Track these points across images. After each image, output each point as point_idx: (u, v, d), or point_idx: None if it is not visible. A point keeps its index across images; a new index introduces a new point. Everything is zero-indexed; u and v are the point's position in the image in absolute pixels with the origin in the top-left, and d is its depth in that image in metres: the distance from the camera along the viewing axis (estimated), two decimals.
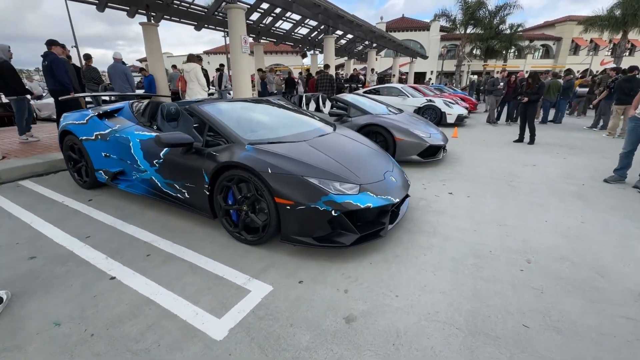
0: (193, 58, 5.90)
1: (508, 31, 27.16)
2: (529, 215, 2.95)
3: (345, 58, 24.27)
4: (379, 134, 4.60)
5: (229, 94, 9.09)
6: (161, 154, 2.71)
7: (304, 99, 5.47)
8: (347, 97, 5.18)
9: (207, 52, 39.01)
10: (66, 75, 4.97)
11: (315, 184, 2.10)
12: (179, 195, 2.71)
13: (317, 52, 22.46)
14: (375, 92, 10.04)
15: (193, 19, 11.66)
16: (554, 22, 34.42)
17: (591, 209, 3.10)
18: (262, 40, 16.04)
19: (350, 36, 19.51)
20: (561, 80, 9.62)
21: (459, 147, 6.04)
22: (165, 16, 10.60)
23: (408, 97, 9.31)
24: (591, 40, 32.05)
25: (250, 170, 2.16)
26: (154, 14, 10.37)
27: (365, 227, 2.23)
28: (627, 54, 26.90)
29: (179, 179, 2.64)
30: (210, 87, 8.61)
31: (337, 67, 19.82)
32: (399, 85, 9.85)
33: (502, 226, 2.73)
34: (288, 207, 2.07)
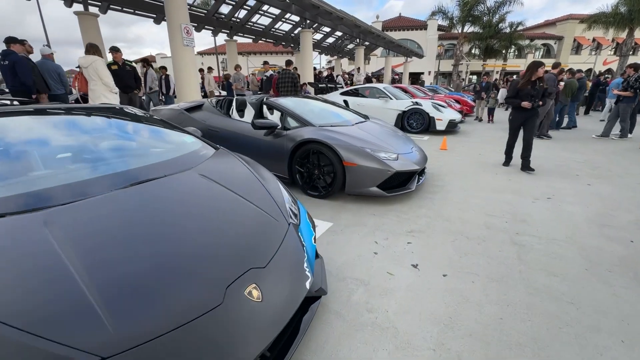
0: (92, 49, 4.45)
1: (508, 30, 26.01)
2: (558, 339, 1.50)
3: (335, 57, 22.96)
4: (322, 155, 3.16)
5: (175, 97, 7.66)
6: None
7: (234, 103, 4.03)
8: (284, 102, 3.74)
9: (200, 53, 37.51)
10: (30, 75, 4.49)
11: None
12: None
13: (314, 50, 21.15)
14: (354, 93, 8.62)
15: (150, 10, 10.25)
16: (554, 20, 33.50)
17: None
18: (236, 37, 14.65)
19: (339, 33, 18.17)
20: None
21: (446, 166, 4.60)
22: (112, 5, 9.19)
23: (391, 99, 7.88)
24: (594, 39, 31.25)
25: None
26: (99, 3, 8.96)
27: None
28: (631, 52, 25.67)
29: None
30: (151, 88, 7.11)
31: (331, 68, 18.34)
32: (381, 86, 8.42)
33: None
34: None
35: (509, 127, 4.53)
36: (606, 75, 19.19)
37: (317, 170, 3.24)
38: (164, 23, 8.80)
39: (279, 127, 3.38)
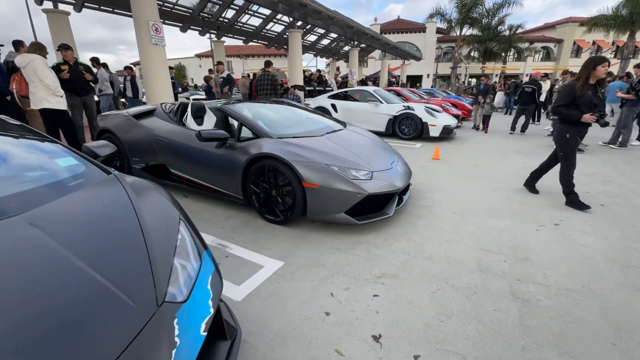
0: (32, 47, 3.90)
1: (507, 33, 25.61)
2: None
3: (331, 60, 22.46)
4: (279, 173, 2.58)
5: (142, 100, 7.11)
6: None
7: (189, 109, 3.47)
8: (239, 108, 3.15)
9: (198, 56, 37.08)
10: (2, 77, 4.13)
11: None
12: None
13: (309, 52, 20.63)
14: (343, 96, 8.07)
15: (129, 9, 9.70)
16: (554, 23, 33.30)
17: None
18: (226, 39, 14.14)
19: (334, 35, 17.68)
20: None
21: (436, 180, 4.03)
22: (86, 3, 8.65)
23: (381, 103, 7.32)
24: (593, 42, 31.11)
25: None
26: (73, 1, 8.42)
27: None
28: (632, 56, 25.26)
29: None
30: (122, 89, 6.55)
31: (319, 70, 17.82)
32: (371, 89, 7.86)
33: None
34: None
35: (563, 150, 3.16)
36: (608, 79, 18.72)
37: (274, 191, 2.67)
38: (166, 27, 8.34)
39: (230, 138, 2.81)
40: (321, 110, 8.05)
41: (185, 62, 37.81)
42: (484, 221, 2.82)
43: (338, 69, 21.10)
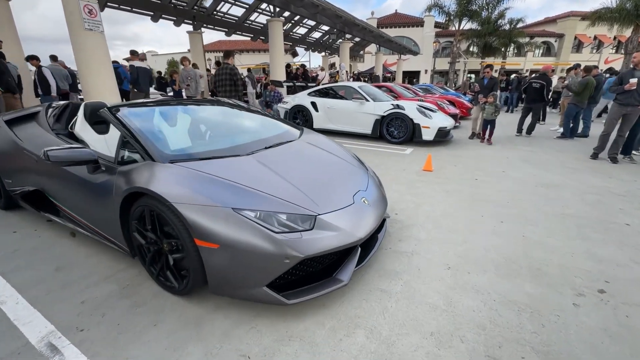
0: None
1: (507, 27, 24.63)
2: None
3: (323, 54, 21.33)
4: (164, 219, 1.61)
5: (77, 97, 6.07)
6: None
7: (67, 113, 2.47)
8: (128, 113, 2.11)
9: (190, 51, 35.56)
10: None
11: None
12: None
13: (300, 46, 19.44)
14: (326, 93, 7.07)
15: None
16: (555, 17, 32.42)
17: None
18: (204, 29, 13.03)
19: (326, 28, 16.58)
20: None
21: (425, 205, 3.06)
22: None
23: (367, 101, 6.33)
24: (595, 37, 30.35)
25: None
26: None
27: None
28: (636, 50, 24.43)
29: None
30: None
31: (303, 65, 16.67)
32: (356, 84, 6.85)
33: None
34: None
35: None
36: (607, 75, 17.83)
37: (166, 244, 1.70)
38: (161, 21, 7.22)
39: (96, 160, 1.83)
40: (299, 110, 7.07)
41: (178, 57, 36.49)
42: (491, 285, 1.86)
43: (333, 65, 20.03)
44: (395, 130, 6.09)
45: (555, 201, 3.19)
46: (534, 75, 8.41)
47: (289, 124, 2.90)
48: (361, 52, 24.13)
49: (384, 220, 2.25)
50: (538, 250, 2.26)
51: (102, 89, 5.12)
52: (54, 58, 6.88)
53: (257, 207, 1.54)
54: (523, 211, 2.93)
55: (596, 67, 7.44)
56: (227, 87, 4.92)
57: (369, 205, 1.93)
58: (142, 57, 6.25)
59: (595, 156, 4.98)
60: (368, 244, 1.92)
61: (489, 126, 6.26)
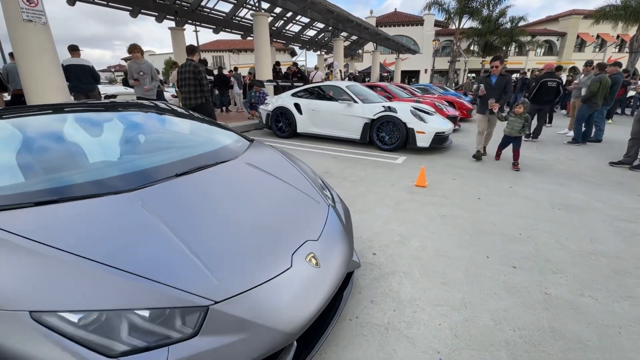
0: None
1: (508, 25, 23.97)
2: None
3: (319, 53, 20.65)
4: None
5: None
6: None
7: None
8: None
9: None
10: None
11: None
12: None
13: (294, 44, 18.74)
14: (311, 93, 6.38)
15: None
16: (557, 16, 31.83)
17: None
18: (188, 26, 12.35)
19: (320, 25, 15.91)
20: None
21: (413, 240, 2.38)
22: None
23: (356, 102, 5.65)
24: (597, 36, 29.76)
25: None
26: None
27: None
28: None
29: None
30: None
31: (295, 64, 15.98)
32: (343, 84, 6.17)
33: None
34: None
35: None
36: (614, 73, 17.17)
37: None
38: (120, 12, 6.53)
39: None
40: (282, 113, 6.39)
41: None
42: None
43: (331, 64, 19.34)
44: (386, 135, 5.41)
45: (579, 231, 2.51)
46: (538, 73, 7.69)
47: (238, 134, 2.23)
48: (359, 51, 23.45)
49: (349, 275, 1.58)
50: (569, 318, 1.58)
51: (48, 88, 4.45)
52: None
53: (89, 303, 0.85)
54: (541, 248, 2.25)
55: (619, 64, 6.73)
56: (190, 86, 4.25)
57: (319, 267, 1.25)
58: (77, 55, 5.27)
59: (634, 168, 4.33)
60: (306, 340, 1.23)
61: (511, 144, 4.38)
